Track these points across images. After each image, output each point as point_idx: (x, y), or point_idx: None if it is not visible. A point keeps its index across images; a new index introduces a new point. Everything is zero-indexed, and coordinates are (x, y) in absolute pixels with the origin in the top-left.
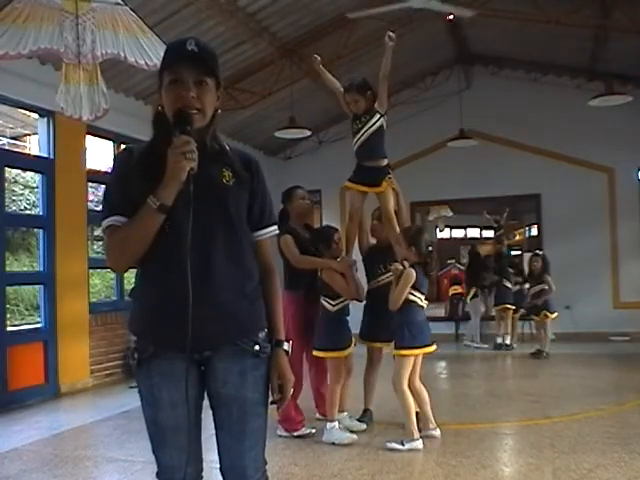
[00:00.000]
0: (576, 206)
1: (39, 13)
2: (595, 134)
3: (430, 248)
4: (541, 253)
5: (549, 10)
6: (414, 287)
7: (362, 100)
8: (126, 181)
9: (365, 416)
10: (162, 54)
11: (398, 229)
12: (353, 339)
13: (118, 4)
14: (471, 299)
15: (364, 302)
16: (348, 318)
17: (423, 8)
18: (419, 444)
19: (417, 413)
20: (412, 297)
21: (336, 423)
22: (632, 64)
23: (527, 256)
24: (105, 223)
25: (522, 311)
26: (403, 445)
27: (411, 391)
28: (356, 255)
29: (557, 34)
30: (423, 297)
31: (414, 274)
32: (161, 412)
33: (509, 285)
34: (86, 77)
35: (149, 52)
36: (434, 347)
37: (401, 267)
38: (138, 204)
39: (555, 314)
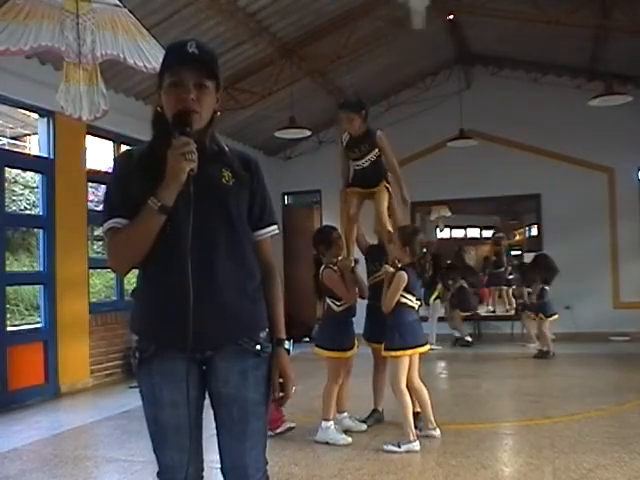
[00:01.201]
0: (576, 206)
1: (39, 10)
2: (595, 134)
3: (424, 250)
4: (535, 254)
5: (549, 10)
6: (406, 289)
7: (357, 118)
8: (126, 183)
9: (371, 416)
10: (160, 57)
11: (391, 229)
12: (356, 342)
13: (117, 6)
14: (434, 300)
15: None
16: (354, 319)
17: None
18: (416, 446)
19: (418, 413)
20: (403, 299)
21: (332, 423)
22: (632, 64)
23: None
24: (106, 225)
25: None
26: (400, 447)
27: (411, 391)
28: (357, 254)
29: (557, 34)
30: (415, 298)
31: (405, 277)
32: (162, 411)
33: (467, 287)
34: (86, 77)
35: (147, 55)
36: (427, 347)
37: (392, 269)
38: (139, 205)
39: (553, 317)
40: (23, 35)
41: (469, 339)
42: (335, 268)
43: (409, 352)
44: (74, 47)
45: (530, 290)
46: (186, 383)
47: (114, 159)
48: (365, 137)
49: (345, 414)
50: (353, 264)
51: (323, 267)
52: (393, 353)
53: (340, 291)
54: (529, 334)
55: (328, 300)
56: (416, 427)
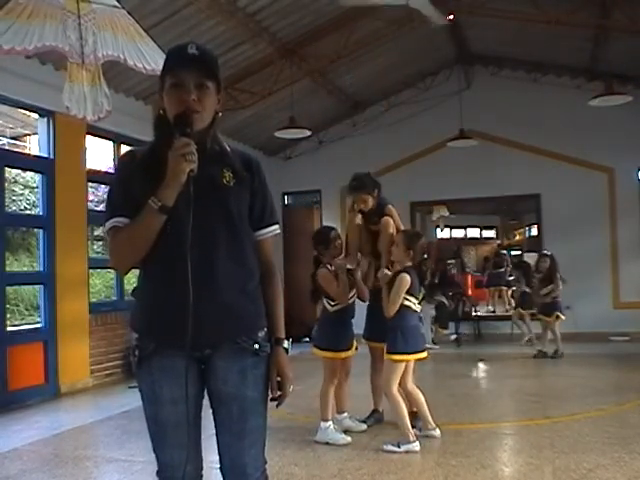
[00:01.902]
0: (576, 206)
1: (42, 10)
2: (595, 134)
3: (425, 255)
4: (549, 253)
5: (549, 10)
6: (408, 292)
7: (370, 198)
8: (128, 183)
9: (372, 417)
10: (159, 59)
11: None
12: (355, 343)
13: (116, 7)
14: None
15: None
16: (353, 320)
17: (418, 9)
18: (416, 446)
19: (415, 412)
20: (406, 302)
21: (330, 423)
22: (632, 64)
23: (532, 256)
24: (108, 224)
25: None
26: (399, 447)
27: (405, 394)
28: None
29: (557, 34)
30: (417, 301)
31: (408, 279)
32: (162, 409)
33: (446, 302)
34: (89, 78)
35: (147, 56)
36: (425, 354)
37: (389, 273)
38: (140, 205)
39: (564, 317)
40: (27, 35)
41: (452, 338)
42: (332, 268)
43: (409, 357)
44: (77, 48)
45: (527, 289)
46: (185, 381)
47: (117, 159)
48: (376, 211)
49: (345, 414)
50: (353, 266)
51: (320, 266)
52: (395, 357)
53: (332, 291)
54: (522, 332)
55: (324, 300)
56: (414, 426)
